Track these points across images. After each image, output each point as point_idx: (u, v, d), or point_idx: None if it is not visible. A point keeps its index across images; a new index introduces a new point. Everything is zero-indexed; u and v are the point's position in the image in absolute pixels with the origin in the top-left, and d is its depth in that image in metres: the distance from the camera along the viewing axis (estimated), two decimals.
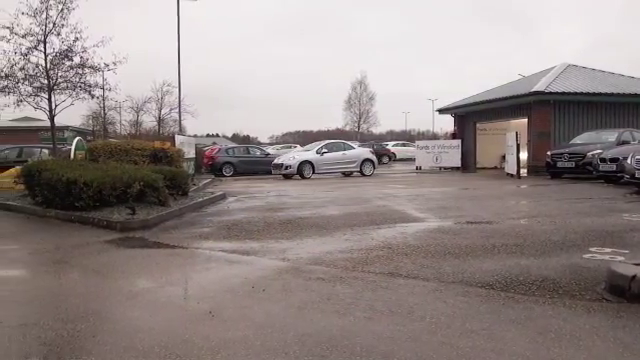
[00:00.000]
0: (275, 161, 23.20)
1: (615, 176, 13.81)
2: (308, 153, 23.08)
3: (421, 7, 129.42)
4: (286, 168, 21.88)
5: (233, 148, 30.88)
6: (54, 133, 16.82)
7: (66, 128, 39.20)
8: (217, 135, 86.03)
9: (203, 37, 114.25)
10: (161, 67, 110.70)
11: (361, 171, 22.76)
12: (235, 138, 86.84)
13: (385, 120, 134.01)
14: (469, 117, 26.80)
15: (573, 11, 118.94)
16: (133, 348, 3.40)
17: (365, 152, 24.58)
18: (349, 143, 26.09)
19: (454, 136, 27.98)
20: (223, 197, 12.99)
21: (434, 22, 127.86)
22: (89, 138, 35.48)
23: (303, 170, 21.72)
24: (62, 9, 14.86)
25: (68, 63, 15.19)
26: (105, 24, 68.00)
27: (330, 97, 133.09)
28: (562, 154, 17.48)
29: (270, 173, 23.15)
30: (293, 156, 22.98)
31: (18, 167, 12.41)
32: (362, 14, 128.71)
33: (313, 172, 22.08)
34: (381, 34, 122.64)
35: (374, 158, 24.27)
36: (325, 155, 22.49)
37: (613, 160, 14.28)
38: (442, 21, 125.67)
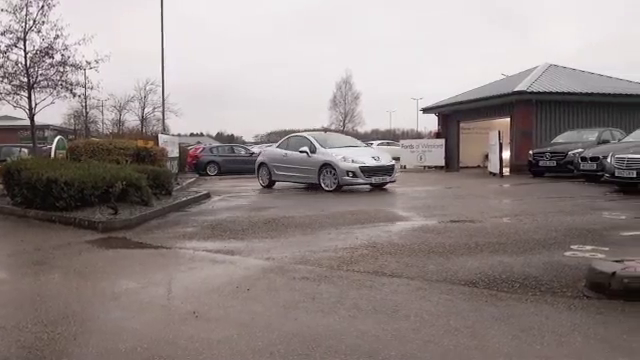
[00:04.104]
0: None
1: (596, 175, 13.98)
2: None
3: (410, 6, 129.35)
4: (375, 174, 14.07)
5: (217, 147, 30.70)
6: (34, 132, 16.61)
7: (47, 127, 38.74)
8: (201, 134, 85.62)
9: (190, 36, 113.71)
10: (145, 65, 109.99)
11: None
12: (219, 137, 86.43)
13: (370, 119, 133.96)
14: (453, 116, 26.97)
15: (569, 12, 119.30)
16: (115, 350, 3.37)
17: None
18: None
19: (438, 135, 28.10)
20: (207, 196, 12.93)
21: (424, 22, 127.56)
22: (71, 137, 35.03)
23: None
24: (42, 6, 14.72)
25: (49, 61, 15.06)
26: (91, 21, 67.36)
27: (316, 97, 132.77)
28: (544, 153, 17.67)
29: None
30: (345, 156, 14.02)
31: None
32: (348, 15, 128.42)
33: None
34: (368, 34, 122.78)
35: None
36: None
37: (594, 159, 14.49)
38: (431, 21, 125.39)
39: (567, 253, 5.67)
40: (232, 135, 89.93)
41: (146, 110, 52.58)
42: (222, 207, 11.03)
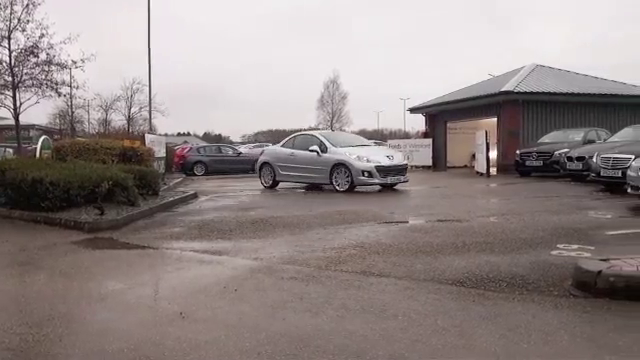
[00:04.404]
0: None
1: (582, 174, 14.10)
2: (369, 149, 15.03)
3: (402, 7, 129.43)
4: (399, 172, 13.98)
5: (205, 147, 30.60)
6: (19, 132, 16.47)
7: (32, 127, 38.33)
8: (188, 134, 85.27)
9: (180, 36, 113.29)
10: (134, 65, 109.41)
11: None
12: (206, 137, 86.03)
13: (357, 119, 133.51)
14: (440, 116, 27.07)
15: (558, 14, 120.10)
16: (102, 351, 3.34)
17: None
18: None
19: (425, 135, 28.20)
20: (194, 196, 12.87)
21: (415, 23, 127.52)
22: (56, 137, 34.70)
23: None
24: (27, 4, 14.57)
25: (34, 60, 14.93)
26: (82, 21, 66.76)
27: (303, 97, 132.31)
28: (530, 153, 17.80)
29: (244, 172, 19.29)
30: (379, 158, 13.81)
31: None
32: (335, 16, 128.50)
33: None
34: (356, 34, 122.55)
35: None
36: None
37: (580, 159, 14.60)
38: (422, 21, 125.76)
39: (553, 252, 5.71)
40: (219, 135, 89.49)
41: (133, 110, 52.08)
42: (209, 207, 10.98)
